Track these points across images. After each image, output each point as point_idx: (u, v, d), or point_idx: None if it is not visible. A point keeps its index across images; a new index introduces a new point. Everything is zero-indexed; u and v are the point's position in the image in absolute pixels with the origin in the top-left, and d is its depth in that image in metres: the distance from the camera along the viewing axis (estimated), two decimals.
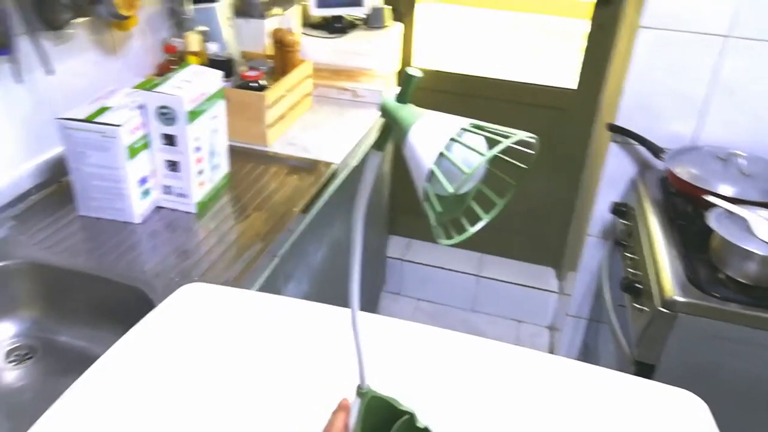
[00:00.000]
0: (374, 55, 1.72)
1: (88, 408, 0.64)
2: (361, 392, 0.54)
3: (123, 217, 1.07)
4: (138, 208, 1.07)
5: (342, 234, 1.50)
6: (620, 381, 0.70)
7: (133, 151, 1.03)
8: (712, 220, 1.08)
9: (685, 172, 1.28)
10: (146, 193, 1.09)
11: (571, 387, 0.69)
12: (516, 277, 2.11)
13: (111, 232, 1.05)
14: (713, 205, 1.14)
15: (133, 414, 0.64)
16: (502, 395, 0.67)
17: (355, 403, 0.54)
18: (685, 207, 1.29)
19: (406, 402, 0.53)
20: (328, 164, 1.32)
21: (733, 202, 1.12)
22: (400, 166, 2.16)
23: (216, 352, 0.72)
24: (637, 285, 1.16)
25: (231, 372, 0.69)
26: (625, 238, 1.37)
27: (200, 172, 1.11)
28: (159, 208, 1.13)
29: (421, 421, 0.52)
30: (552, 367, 0.72)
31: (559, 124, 1.88)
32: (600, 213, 1.59)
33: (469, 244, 2.19)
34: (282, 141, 1.41)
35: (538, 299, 2.08)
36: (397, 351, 0.74)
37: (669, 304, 1.03)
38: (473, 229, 0.41)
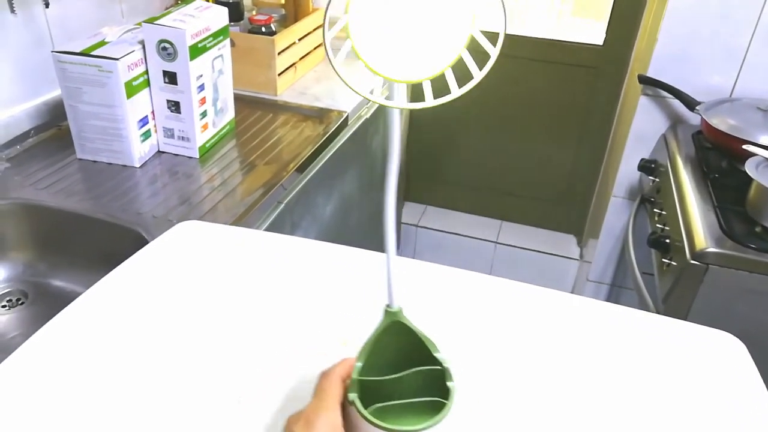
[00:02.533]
0: None
1: (67, 344, 0.60)
2: (389, 310, 0.46)
3: (121, 160, 1.02)
4: (137, 151, 1.02)
5: (354, 189, 1.44)
6: (649, 320, 0.64)
7: (132, 89, 0.98)
8: (751, 167, 1.00)
9: (722, 122, 1.20)
10: (146, 135, 1.04)
11: (598, 327, 0.62)
12: (535, 244, 2.04)
13: (108, 175, 1.01)
14: (751, 158, 1.05)
15: (116, 350, 0.59)
16: (523, 337, 0.61)
17: (380, 319, 0.47)
18: (719, 161, 1.21)
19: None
20: (340, 112, 1.26)
21: None
22: (415, 130, 2.09)
23: (210, 289, 0.67)
24: (665, 240, 1.08)
25: (227, 310, 0.64)
26: (653, 194, 1.29)
27: (203, 115, 1.06)
28: (160, 152, 1.08)
29: (453, 380, 0.43)
30: (577, 306, 0.66)
31: (587, 84, 1.78)
32: (627, 172, 1.51)
33: (488, 211, 2.12)
34: (292, 91, 1.35)
35: (557, 266, 2.00)
36: (417, 291, 0.68)
37: (700, 255, 0.96)
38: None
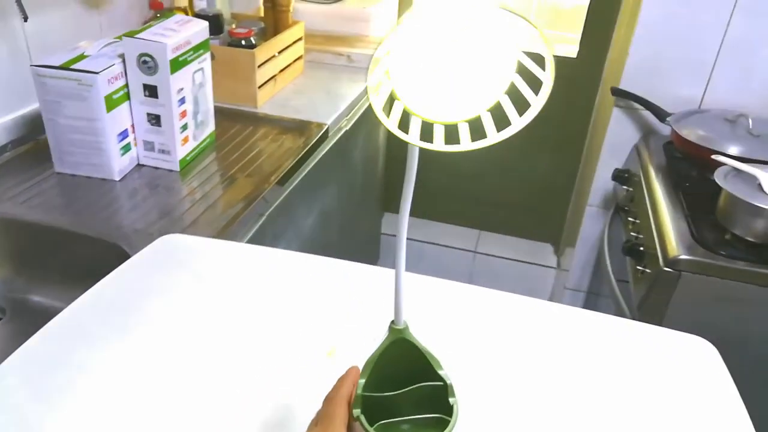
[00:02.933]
0: (369, 21, 1.67)
1: (47, 360, 0.60)
2: (395, 328, 0.47)
3: (101, 174, 1.02)
4: (117, 164, 1.02)
5: (334, 204, 1.45)
6: (627, 327, 0.66)
7: (112, 103, 0.98)
8: (720, 177, 1.04)
9: (691, 133, 1.24)
10: (126, 148, 1.03)
11: (578, 334, 0.64)
12: (513, 253, 2.07)
13: (88, 189, 1.00)
14: (719, 167, 1.09)
15: (97, 366, 0.59)
16: (507, 345, 0.63)
17: (385, 335, 0.47)
18: (690, 171, 1.24)
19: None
20: (320, 125, 1.27)
21: (741, 162, 1.07)
22: (394, 141, 2.10)
23: (194, 302, 0.68)
24: (639, 248, 1.11)
25: (210, 323, 0.65)
26: (626, 203, 1.32)
27: (184, 128, 1.06)
28: (140, 165, 1.08)
29: (455, 396, 0.44)
30: (558, 314, 0.67)
31: (562, 95, 1.82)
32: (601, 182, 1.54)
33: (466, 221, 2.14)
34: (272, 103, 1.36)
35: (535, 275, 2.03)
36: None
37: (673, 263, 0.99)
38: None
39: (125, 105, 1.01)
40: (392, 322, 0.47)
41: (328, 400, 0.44)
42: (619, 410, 0.55)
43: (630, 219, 1.25)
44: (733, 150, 1.16)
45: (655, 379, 0.59)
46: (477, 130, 0.35)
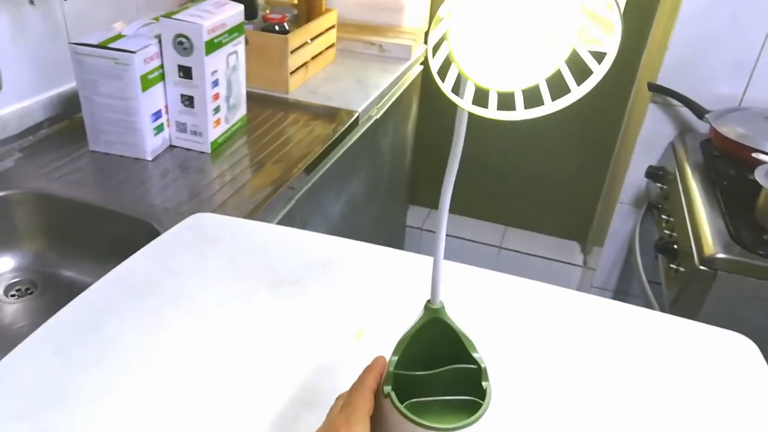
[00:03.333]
0: (403, 11, 1.66)
1: (76, 334, 0.60)
2: (431, 307, 0.45)
3: (134, 153, 1.03)
4: (150, 144, 1.03)
5: (361, 194, 1.44)
6: (662, 320, 0.64)
7: (148, 83, 0.98)
8: (760, 175, 1.00)
9: (731, 131, 1.20)
10: (159, 128, 1.04)
11: (611, 326, 0.63)
12: (539, 250, 2.04)
13: (121, 168, 1.01)
14: (760, 166, 1.06)
15: (126, 341, 0.60)
16: (537, 333, 0.62)
17: (420, 313, 0.46)
18: (728, 169, 1.21)
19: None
20: (350, 112, 1.27)
21: None
22: (422, 134, 2.10)
23: (224, 280, 0.68)
24: (673, 246, 1.09)
25: (240, 301, 0.65)
26: (660, 201, 1.29)
27: (216, 110, 1.06)
28: (172, 146, 1.09)
29: (488, 381, 0.43)
30: (591, 305, 0.66)
31: (595, 90, 1.78)
32: (633, 179, 1.51)
33: (493, 216, 2.12)
34: (303, 89, 1.36)
35: (561, 272, 2.00)
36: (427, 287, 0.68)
37: (709, 261, 0.96)
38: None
39: (160, 85, 1.02)
40: (428, 301, 0.46)
41: (354, 389, 0.44)
42: (653, 405, 0.54)
43: (663, 217, 1.22)
44: None
45: (692, 374, 0.57)
46: (531, 101, 0.34)
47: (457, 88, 0.34)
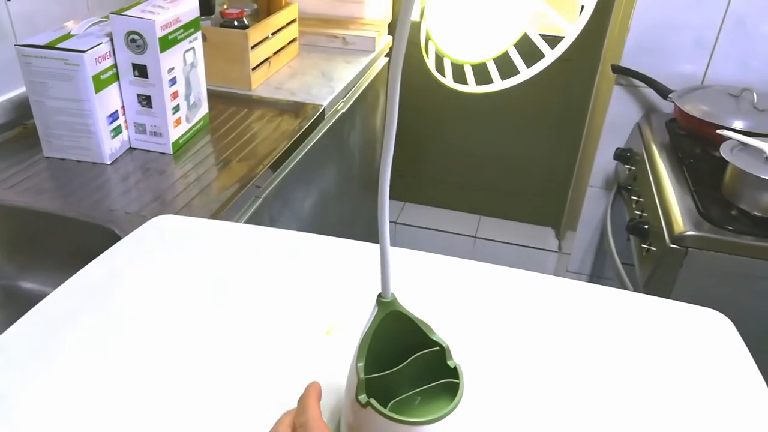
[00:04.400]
0: (365, 3, 1.63)
1: (36, 343, 0.57)
2: (382, 301, 0.44)
3: (91, 158, 0.99)
4: (107, 147, 0.99)
5: (332, 190, 1.42)
6: (636, 300, 0.63)
7: (101, 83, 0.95)
8: (726, 151, 1.01)
9: (695, 109, 1.21)
10: (117, 130, 1.01)
11: (586, 307, 0.62)
12: (514, 238, 2.04)
13: (78, 173, 0.97)
14: (725, 142, 1.07)
15: (88, 348, 0.57)
16: (513, 319, 0.61)
17: (372, 313, 0.44)
18: (693, 148, 1.22)
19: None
20: (315, 106, 1.24)
21: (746, 136, 1.05)
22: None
23: (189, 282, 0.65)
24: (644, 226, 1.09)
25: (206, 302, 0.62)
26: (629, 182, 1.30)
27: (176, 109, 1.03)
28: (131, 149, 1.05)
29: (453, 359, 0.43)
30: (566, 289, 0.65)
31: (562, 75, 1.79)
32: (602, 162, 1.52)
33: (466, 206, 2.12)
34: (267, 86, 1.33)
35: (537, 259, 2.01)
36: (404, 279, 0.67)
37: (679, 239, 0.97)
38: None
39: (114, 86, 0.98)
40: (379, 295, 0.44)
41: (308, 419, 0.41)
42: (633, 383, 0.53)
43: (633, 198, 1.23)
44: (738, 125, 1.14)
45: (670, 351, 0.56)
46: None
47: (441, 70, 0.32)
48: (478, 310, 0.62)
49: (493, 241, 2.05)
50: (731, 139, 1.05)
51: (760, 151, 1.00)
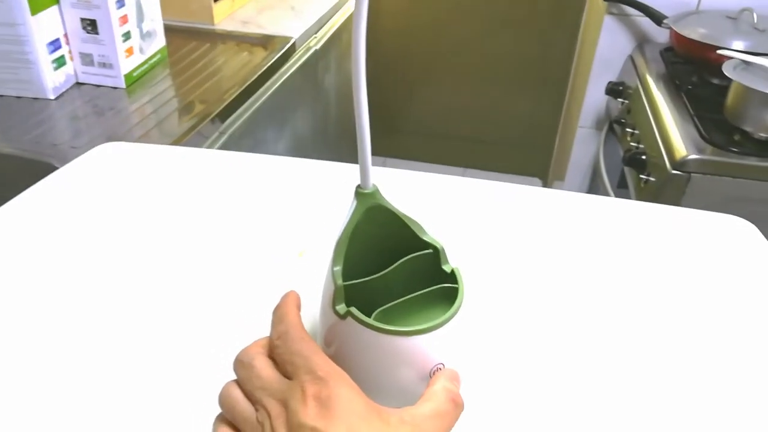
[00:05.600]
0: None
1: None
2: (361, 192, 0.35)
3: (32, 92, 0.89)
4: (50, 80, 0.89)
5: (308, 134, 1.33)
6: (655, 210, 0.56)
7: (37, 4, 0.84)
8: (729, 70, 0.94)
9: (693, 32, 1.13)
10: (60, 61, 0.90)
11: (596, 219, 0.55)
12: None
13: (17, 109, 0.87)
14: (727, 61, 0.99)
15: (18, 294, 0.48)
16: (529, 234, 0.53)
17: (350, 208, 0.36)
18: (690, 76, 1.15)
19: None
20: (285, 38, 1.14)
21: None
22: (371, 81, 1.97)
23: (141, 212, 0.56)
24: (641, 156, 1.02)
25: (163, 231, 0.54)
26: (623, 116, 1.23)
27: (126, 37, 0.92)
28: (79, 84, 0.95)
29: (449, 262, 0.35)
30: (575, 201, 0.58)
31: (545, 10, 1.70)
32: (593, 99, 1.44)
33: (451, 159, 2.04)
34: (232, 20, 1.22)
35: None
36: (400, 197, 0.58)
37: (681, 164, 0.90)
38: None
39: (54, 9, 0.87)
40: (358, 186, 0.35)
41: (288, 340, 0.32)
42: (654, 296, 0.46)
43: (628, 131, 1.16)
44: (739, 45, 1.06)
45: (695, 259, 0.49)
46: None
47: None
48: (472, 226, 0.54)
49: None
50: (733, 59, 0.98)
51: (763, 69, 0.93)
